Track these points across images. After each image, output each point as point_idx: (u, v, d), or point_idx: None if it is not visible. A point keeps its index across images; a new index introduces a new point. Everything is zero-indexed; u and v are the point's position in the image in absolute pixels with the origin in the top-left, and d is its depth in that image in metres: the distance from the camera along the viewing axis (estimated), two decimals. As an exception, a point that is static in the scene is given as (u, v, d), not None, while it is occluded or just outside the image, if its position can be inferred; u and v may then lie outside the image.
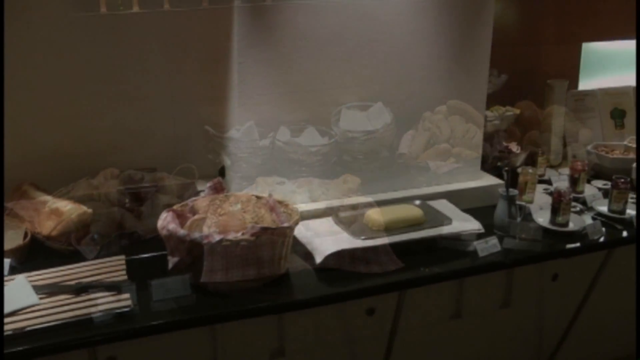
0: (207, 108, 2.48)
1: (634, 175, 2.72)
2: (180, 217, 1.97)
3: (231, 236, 1.78)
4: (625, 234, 2.37)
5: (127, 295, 1.75)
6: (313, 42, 2.15)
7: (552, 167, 3.01)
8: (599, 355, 3.18)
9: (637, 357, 3.35)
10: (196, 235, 1.77)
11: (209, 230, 1.88)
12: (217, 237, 1.76)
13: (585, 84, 3.33)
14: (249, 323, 1.93)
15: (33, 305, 1.70)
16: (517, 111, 2.82)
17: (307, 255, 2.03)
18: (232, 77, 2.13)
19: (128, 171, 2.29)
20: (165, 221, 1.86)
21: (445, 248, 2.13)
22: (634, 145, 3.05)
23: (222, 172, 2.37)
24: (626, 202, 2.46)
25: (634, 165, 2.76)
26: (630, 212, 2.46)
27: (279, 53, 2.12)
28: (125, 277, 1.86)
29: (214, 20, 2.33)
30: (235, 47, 2.08)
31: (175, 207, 1.99)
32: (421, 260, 2.05)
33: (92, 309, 1.68)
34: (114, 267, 1.92)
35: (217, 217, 1.93)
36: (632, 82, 3.39)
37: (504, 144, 2.81)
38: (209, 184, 2.12)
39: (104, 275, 1.87)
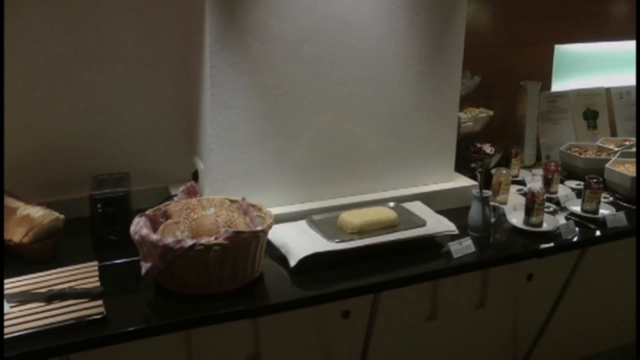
0: (180, 111, 2.47)
1: (606, 175, 2.75)
2: (154, 222, 1.95)
3: (204, 241, 1.77)
4: (598, 233, 2.38)
5: (99, 302, 1.73)
6: (285, 44, 2.14)
7: (526, 168, 3.04)
8: (574, 353, 3.22)
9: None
10: (169, 240, 1.76)
11: (182, 235, 1.87)
12: (189, 242, 1.75)
13: (558, 85, 3.35)
14: (224, 327, 1.93)
15: (4, 314, 1.67)
16: (491, 112, 2.84)
17: (282, 258, 2.02)
18: (205, 80, 2.12)
19: (100, 176, 2.27)
20: (138, 226, 1.84)
21: (419, 250, 2.13)
22: (607, 146, 3.08)
23: (195, 176, 2.36)
24: (599, 201, 2.48)
25: (607, 165, 2.78)
26: (603, 211, 2.48)
27: (252, 56, 2.11)
28: (98, 283, 1.84)
29: (187, 21, 2.33)
30: (206, 50, 2.07)
31: (148, 212, 1.97)
32: (395, 263, 2.04)
33: (65, 317, 1.66)
34: (86, 274, 1.90)
35: (190, 222, 1.92)
36: (604, 83, 3.43)
37: (478, 145, 2.83)
38: (181, 188, 2.11)
39: (76, 282, 1.85)
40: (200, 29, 2.14)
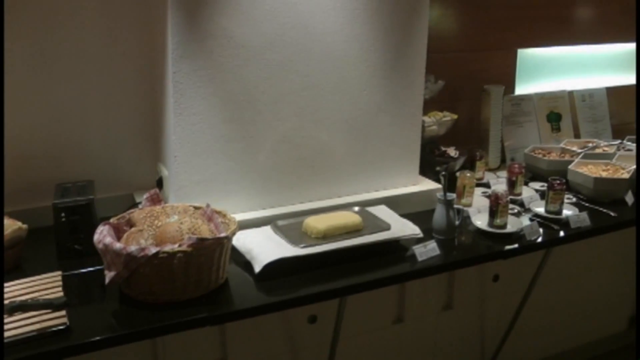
0: (145, 118, 2.46)
1: (569, 176, 2.78)
2: (118, 230, 1.94)
3: (168, 248, 1.76)
4: (562, 233, 2.41)
5: (63, 313, 1.71)
6: (248, 50, 2.14)
7: (490, 170, 3.07)
8: (541, 352, 3.26)
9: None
10: (132, 248, 1.75)
11: (146, 243, 1.86)
12: (153, 250, 1.74)
13: (521, 89, 3.40)
14: (190, 334, 1.92)
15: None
16: (455, 116, 2.86)
17: (247, 264, 2.02)
18: (168, 87, 2.12)
19: (64, 184, 2.25)
20: (102, 235, 1.83)
21: (384, 253, 2.14)
22: (570, 148, 3.13)
23: (160, 183, 2.35)
24: (562, 202, 2.51)
25: (570, 166, 2.82)
26: (567, 212, 2.52)
27: (215, 62, 2.11)
28: (62, 293, 1.82)
29: (151, 27, 2.32)
30: (169, 56, 2.06)
31: (112, 220, 1.96)
32: (361, 267, 2.05)
33: (27, 329, 1.64)
34: (50, 284, 1.88)
35: (154, 229, 1.92)
36: (566, 86, 3.48)
37: (442, 148, 2.85)
38: (145, 196, 2.10)
39: (39, 292, 1.82)
40: (163, 35, 2.13)
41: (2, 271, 1.78)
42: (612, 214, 2.57)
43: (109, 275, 1.80)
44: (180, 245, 1.77)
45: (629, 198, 2.68)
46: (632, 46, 3.84)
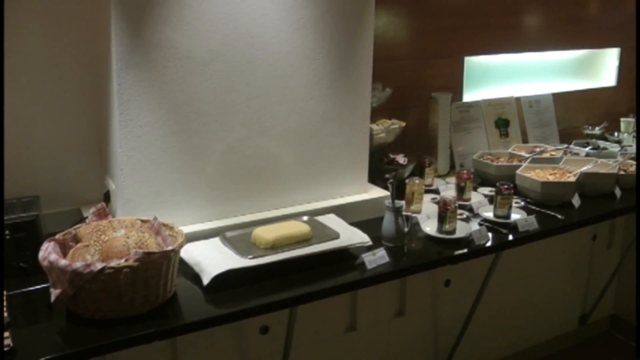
0: (91, 130, 2.42)
1: (517, 181, 2.83)
2: (64, 247, 1.91)
3: (114, 263, 1.74)
4: (510, 237, 2.44)
5: (7, 334, 1.68)
6: (194, 61, 2.13)
7: (440, 176, 3.10)
8: (494, 354, 3.30)
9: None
10: (78, 265, 1.72)
11: (92, 259, 1.83)
12: (99, 266, 1.71)
13: (469, 95, 3.44)
14: (140, 350, 1.89)
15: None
16: (403, 124, 2.88)
17: (195, 277, 2.00)
18: (113, 99, 2.09)
19: (8, 200, 2.21)
20: (47, 252, 1.79)
21: (334, 262, 2.14)
22: (518, 153, 3.18)
23: (107, 197, 2.31)
24: (510, 206, 2.55)
25: (518, 171, 2.86)
26: (515, 216, 2.55)
27: (160, 73, 2.09)
28: (6, 314, 1.78)
29: (95, 38, 2.29)
30: (114, 67, 2.04)
31: (57, 236, 1.92)
32: (310, 276, 2.05)
33: (-32, 351, 1.61)
34: (-7, 304, 1.84)
35: (101, 244, 1.89)
36: (514, 92, 3.54)
37: (391, 156, 2.86)
38: (92, 210, 2.07)
39: (-18, 313, 1.79)
40: (107, 45, 2.11)
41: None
42: (559, 216, 2.61)
43: (54, 293, 1.76)
44: (126, 260, 1.75)
45: (576, 201, 2.73)
46: (576, 53, 3.94)
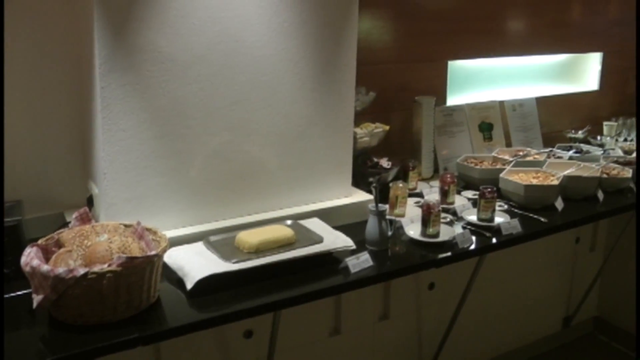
0: (74, 134, 2.41)
1: (501, 184, 2.84)
2: (46, 252, 1.89)
3: (97, 269, 1.73)
4: (494, 240, 2.45)
5: (-12, 339, 1.67)
6: (177, 65, 2.13)
7: (424, 180, 3.10)
8: (478, 356, 3.32)
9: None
10: (60, 270, 1.71)
11: (75, 264, 1.82)
12: (82, 271, 1.71)
13: (453, 99, 3.45)
14: (124, 355, 1.88)
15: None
16: (387, 127, 2.88)
17: (179, 282, 2.00)
18: (96, 102, 2.08)
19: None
20: (29, 257, 1.78)
21: (317, 266, 2.14)
22: (502, 156, 3.19)
23: (90, 201, 2.30)
24: (494, 210, 2.56)
25: (501, 175, 2.87)
26: (498, 219, 2.56)
27: (143, 77, 2.09)
28: (-13, 318, 1.78)
29: (79, 41, 2.28)
30: (97, 71, 2.03)
31: (40, 241, 1.91)
32: (294, 280, 2.05)
33: (-52, 359, 1.59)
34: (-26, 310, 1.83)
35: (84, 249, 1.88)
36: (497, 96, 3.56)
37: (375, 159, 2.87)
38: (75, 215, 2.06)
39: (-38, 319, 1.78)
40: (90, 49, 2.10)
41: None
42: (542, 219, 2.63)
43: (36, 298, 1.75)
44: (109, 265, 1.74)
45: (559, 204, 2.75)
46: (559, 57, 3.97)
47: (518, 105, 3.63)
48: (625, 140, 3.83)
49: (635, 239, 3.39)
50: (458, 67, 3.44)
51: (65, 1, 2.29)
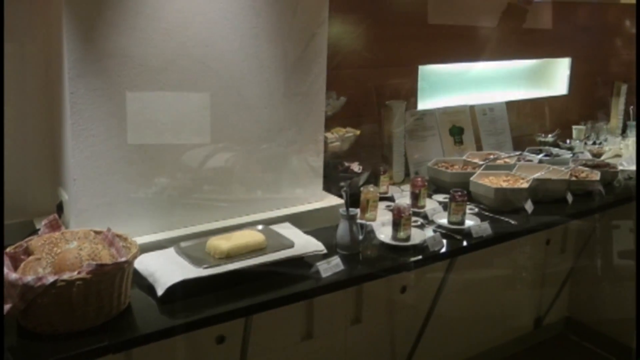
0: (44, 139, 2.39)
1: (471, 187, 2.86)
2: (15, 260, 1.87)
3: (66, 276, 1.72)
4: (464, 243, 2.47)
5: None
6: (147, 69, 2.12)
7: (395, 184, 3.12)
8: (451, 358, 3.33)
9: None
10: (28, 278, 1.69)
11: (44, 272, 1.80)
12: (51, 279, 1.69)
13: (424, 104, 3.46)
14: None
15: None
16: (358, 132, 2.90)
17: (150, 288, 1.99)
18: (66, 108, 2.07)
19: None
20: (-3, 266, 1.77)
21: (288, 271, 2.14)
22: (473, 160, 3.22)
23: (60, 208, 2.28)
24: (464, 213, 2.58)
25: (472, 178, 2.90)
26: (469, 222, 2.59)
27: (113, 82, 2.07)
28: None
29: (49, 45, 2.26)
30: (66, 76, 2.02)
31: (8, 249, 1.89)
32: (265, 285, 2.05)
33: None
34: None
35: (53, 257, 1.86)
36: (467, 101, 3.59)
37: (346, 164, 2.88)
38: (44, 222, 2.04)
39: None
40: (59, 54, 2.08)
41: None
42: (512, 222, 2.66)
43: (5, 308, 1.73)
44: (79, 273, 1.73)
45: (529, 206, 2.78)
46: (529, 62, 4.01)
47: (488, 110, 3.67)
48: (594, 143, 3.89)
49: (602, 240, 3.44)
50: (429, 71, 3.46)
51: (36, 5, 2.27)
